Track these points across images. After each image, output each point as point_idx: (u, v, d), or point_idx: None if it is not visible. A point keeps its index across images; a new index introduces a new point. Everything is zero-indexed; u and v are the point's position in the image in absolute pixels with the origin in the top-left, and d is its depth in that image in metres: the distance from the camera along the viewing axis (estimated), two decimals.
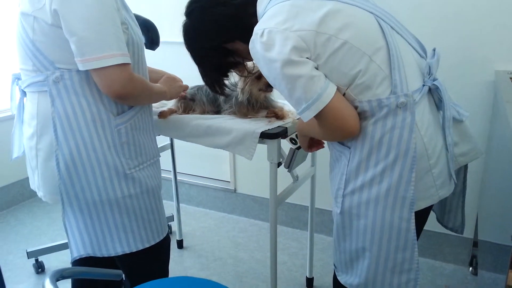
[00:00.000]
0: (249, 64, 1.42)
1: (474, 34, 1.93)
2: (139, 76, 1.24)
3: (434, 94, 1.15)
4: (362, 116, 1.08)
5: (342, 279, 1.28)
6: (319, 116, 1.04)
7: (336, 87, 1.03)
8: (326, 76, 1.03)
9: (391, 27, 1.10)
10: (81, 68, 1.12)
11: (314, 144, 1.34)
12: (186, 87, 1.61)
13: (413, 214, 1.09)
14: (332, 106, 1.01)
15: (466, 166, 1.34)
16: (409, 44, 1.15)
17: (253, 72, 1.44)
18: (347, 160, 1.13)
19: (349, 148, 1.12)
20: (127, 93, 1.17)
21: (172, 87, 1.51)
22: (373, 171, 1.09)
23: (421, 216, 1.19)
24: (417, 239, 1.16)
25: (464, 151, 1.25)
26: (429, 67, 1.13)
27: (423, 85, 1.11)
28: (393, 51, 1.06)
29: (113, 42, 1.11)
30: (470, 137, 1.26)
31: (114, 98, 1.19)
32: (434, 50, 1.17)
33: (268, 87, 1.54)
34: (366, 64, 1.03)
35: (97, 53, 1.09)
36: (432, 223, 2.26)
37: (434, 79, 1.12)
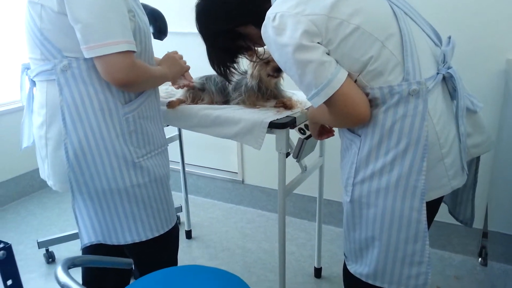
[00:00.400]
0: (259, 49, 1.41)
1: (485, 22, 1.90)
2: (141, 63, 1.23)
3: (448, 83, 1.13)
4: (373, 103, 1.06)
5: (351, 268, 1.27)
6: (329, 102, 1.03)
7: (347, 73, 1.02)
8: (337, 62, 1.02)
9: (405, 12, 1.09)
10: (86, 55, 1.12)
11: (324, 132, 1.33)
12: (188, 67, 1.58)
13: (424, 204, 1.08)
14: (342, 92, 1.00)
15: (478, 158, 1.32)
16: (423, 30, 1.13)
17: (262, 57, 1.43)
18: (358, 148, 1.12)
19: (360, 136, 1.11)
20: (130, 80, 1.17)
21: (172, 67, 1.47)
22: (383, 159, 1.08)
23: (432, 207, 1.17)
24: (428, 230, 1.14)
25: (477, 142, 1.23)
26: (444, 55, 1.11)
27: (437, 73, 1.09)
28: (406, 37, 1.04)
29: (118, 29, 1.11)
30: (484, 128, 1.24)
31: (117, 85, 1.19)
32: (449, 38, 1.16)
33: (276, 72, 1.53)
34: (378, 50, 1.02)
35: (101, 40, 1.09)
36: (440, 214, 2.25)
37: (449, 67, 1.10)
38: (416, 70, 1.04)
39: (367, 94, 1.05)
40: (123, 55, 1.13)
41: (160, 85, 1.42)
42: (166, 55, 1.51)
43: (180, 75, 1.55)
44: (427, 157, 1.04)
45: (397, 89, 1.03)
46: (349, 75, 1.03)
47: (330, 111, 1.07)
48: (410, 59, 1.04)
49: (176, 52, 1.54)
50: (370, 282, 1.22)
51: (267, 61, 1.53)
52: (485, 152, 1.26)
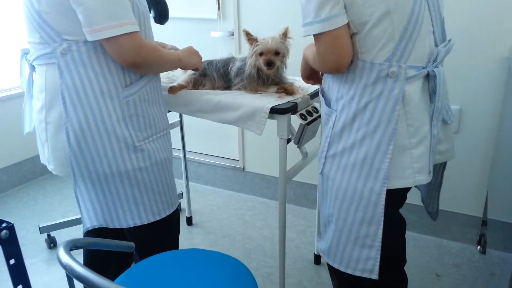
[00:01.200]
0: (259, 39, 1.48)
1: (489, 9, 1.88)
2: (149, 42, 1.23)
3: (431, 83, 1.14)
4: (351, 76, 1.11)
5: (318, 245, 1.34)
6: (318, 39, 1.06)
7: (347, 21, 1.05)
8: (345, 7, 1.04)
9: (427, 1, 1.10)
10: (89, 38, 1.12)
11: (312, 77, 1.39)
12: (201, 66, 1.59)
13: (385, 189, 1.11)
14: (334, 34, 1.04)
15: (445, 163, 1.38)
16: (432, 26, 1.13)
17: (256, 49, 1.49)
18: (332, 123, 1.16)
19: (335, 111, 1.16)
20: (141, 60, 1.17)
21: (189, 57, 1.48)
22: (354, 136, 1.12)
23: (396, 196, 1.19)
24: (389, 222, 1.16)
25: (445, 149, 1.27)
26: (437, 54, 1.13)
27: (423, 68, 1.11)
28: (413, 20, 1.06)
29: (121, 11, 1.11)
30: (451, 139, 1.29)
31: (128, 66, 1.19)
32: (449, 40, 1.18)
33: (266, 65, 1.53)
34: (383, 15, 1.03)
35: (105, 23, 1.09)
36: (441, 201, 2.26)
37: (436, 67, 1.12)
38: (404, 54, 1.07)
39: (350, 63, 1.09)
40: (130, 36, 1.13)
41: (172, 69, 1.43)
42: (189, 46, 1.53)
43: (194, 67, 1.56)
44: (394, 141, 1.08)
45: (378, 68, 1.06)
46: (348, 25, 1.06)
47: (316, 48, 1.09)
48: (405, 41, 1.06)
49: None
50: (325, 258, 1.28)
51: (261, 53, 1.53)
52: (447, 160, 1.31)
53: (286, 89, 1.58)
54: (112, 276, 1.35)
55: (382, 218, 1.13)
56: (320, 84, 1.35)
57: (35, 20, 1.16)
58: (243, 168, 2.80)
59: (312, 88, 1.68)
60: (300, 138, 1.53)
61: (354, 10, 1.04)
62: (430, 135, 1.15)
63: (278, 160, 1.54)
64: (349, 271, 1.22)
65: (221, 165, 2.88)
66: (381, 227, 1.14)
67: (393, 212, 1.30)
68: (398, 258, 1.42)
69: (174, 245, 1.54)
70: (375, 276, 1.18)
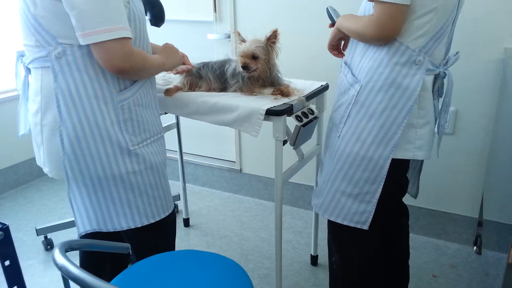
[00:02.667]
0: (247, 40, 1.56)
1: (484, 11, 1.90)
2: (138, 50, 1.23)
3: (437, 83, 1.31)
4: (384, 52, 1.24)
5: (313, 201, 1.54)
6: (385, 7, 1.15)
7: (410, 2, 1.15)
8: None
9: (457, 10, 1.28)
10: (81, 42, 1.11)
11: (336, 48, 1.52)
12: (186, 58, 1.58)
13: (391, 156, 1.29)
14: (401, 9, 1.15)
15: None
16: (449, 33, 1.31)
17: (239, 50, 1.55)
18: (356, 92, 1.32)
19: (359, 82, 1.31)
20: (128, 67, 1.16)
21: (170, 57, 1.46)
22: (376, 106, 1.28)
23: (397, 164, 1.34)
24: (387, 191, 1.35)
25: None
26: (447, 60, 1.33)
27: (436, 67, 1.28)
28: (448, 22, 1.24)
29: (114, 16, 1.10)
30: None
31: (114, 72, 1.18)
32: (457, 52, 1.39)
33: (242, 67, 1.54)
34: (431, 10, 1.18)
35: (97, 27, 1.08)
36: (435, 202, 2.28)
37: (446, 69, 1.31)
38: (430, 50, 1.24)
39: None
40: (120, 42, 1.12)
41: (156, 74, 1.42)
42: (164, 44, 1.51)
43: (178, 65, 1.56)
44: (408, 117, 1.26)
45: (410, 52, 1.22)
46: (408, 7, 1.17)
47: (377, 14, 1.18)
48: (435, 39, 1.23)
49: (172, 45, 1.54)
50: (320, 213, 1.47)
51: (241, 55, 1.54)
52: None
53: (282, 90, 1.59)
54: (108, 278, 1.36)
55: (383, 180, 1.32)
56: (342, 56, 1.51)
57: (31, 23, 1.16)
58: (240, 170, 2.80)
59: (308, 89, 1.69)
60: (296, 140, 1.53)
61: None
62: (434, 121, 1.36)
63: (274, 162, 1.54)
64: (345, 222, 1.42)
65: (218, 166, 2.88)
66: (381, 186, 1.33)
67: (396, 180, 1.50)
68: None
69: (171, 247, 1.54)
70: (366, 227, 1.39)
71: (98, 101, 1.20)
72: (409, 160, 1.42)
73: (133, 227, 1.33)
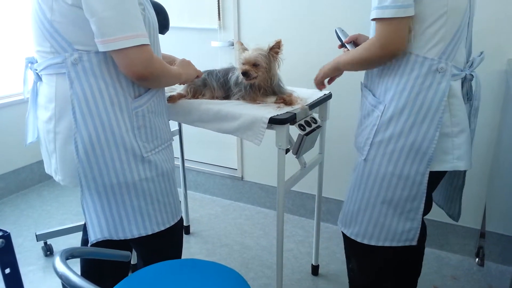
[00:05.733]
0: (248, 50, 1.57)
1: (487, 22, 1.90)
2: (158, 57, 1.24)
3: (465, 86, 1.28)
4: (402, 68, 1.22)
5: (348, 231, 1.45)
6: (386, 23, 1.14)
7: (413, 14, 1.14)
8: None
9: (470, 11, 1.25)
10: (101, 49, 1.11)
11: (330, 80, 1.54)
12: (200, 73, 1.60)
13: (429, 170, 1.25)
14: (404, 22, 1.14)
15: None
16: (467, 34, 1.29)
17: (240, 57, 1.56)
18: (381, 112, 1.29)
19: (383, 102, 1.28)
20: (148, 74, 1.17)
21: (187, 69, 1.50)
22: (402, 125, 1.24)
23: (433, 177, 1.30)
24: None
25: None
26: (472, 62, 1.29)
27: (461, 70, 1.25)
28: (463, 25, 1.21)
29: (134, 23, 1.11)
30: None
31: (135, 79, 1.19)
32: (482, 52, 1.35)
33: (242, 75, 1.55)
34: (441, 16, 1.16)
35: (118, 34, 1.09)
36: (438, 214, 2.26)
37: (472, 71, 1.28)
38: (451, 55, 1.21)
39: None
40: (141, 49, 1.13)
41: (173, 84, 1.44)
42: (182, 59, 1.55)
43: (193, 78, 1.58)
44: (440, 129, 1.21)
45: (429, 62, 1.20)
46: (412, 18, 1.16)
47: (379, 32, 1.17)
48: (454, 43, 1.20)
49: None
50: (365, 242, 1.40)
51: (242, 62, 1.56)
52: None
53: (285, 99, 1.58)
54: (108, 286, 1.35)
55: (425, 195, 1.28)
56: (324, 88, 1.54)
57: (46, 29, 1.15)
58: (242, 178, 2.80)
59: (311, 98, 1.68)
60: (298, 149, 1.53)
61: (421, 5, 1.15)
62: (469, 127, 1.31)
63: (276, 170, 1.54)
64: (394, 244, 1.37)
65: (220, 174, 2.87)
66: (423, 202, 1.29)
67: (430, 192, 1.46)
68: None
69: (178, 253, 1.53)
70: (415, 242, 1.35)
71: (113, 107, 1.19)
72: (443, 174, 1.38)
73: (144, 234, 1.32)
